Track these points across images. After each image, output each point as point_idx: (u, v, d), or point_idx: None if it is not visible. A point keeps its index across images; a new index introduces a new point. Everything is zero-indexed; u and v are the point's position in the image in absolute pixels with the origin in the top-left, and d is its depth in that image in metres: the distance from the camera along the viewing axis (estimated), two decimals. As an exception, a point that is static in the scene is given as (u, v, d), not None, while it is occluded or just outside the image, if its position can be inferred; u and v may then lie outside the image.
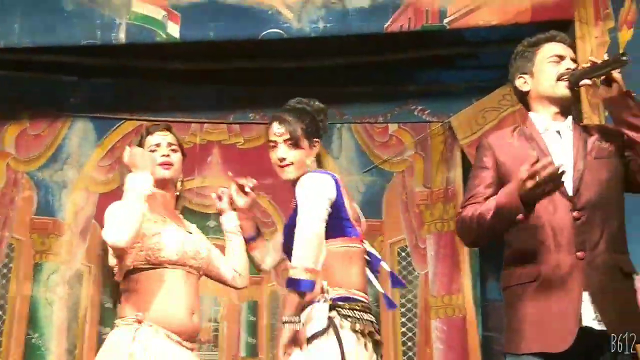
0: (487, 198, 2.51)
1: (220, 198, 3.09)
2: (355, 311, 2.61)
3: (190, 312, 2.74)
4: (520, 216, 2.33)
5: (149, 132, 2.92)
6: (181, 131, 5.13)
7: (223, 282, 3.10)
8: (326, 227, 2.62)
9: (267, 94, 5.17)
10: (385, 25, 4.45)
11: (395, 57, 5.08)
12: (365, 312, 2.65)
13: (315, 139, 2.85)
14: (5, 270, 4.93)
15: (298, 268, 2.49)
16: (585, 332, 2.33)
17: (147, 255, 2.70)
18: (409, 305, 5.17)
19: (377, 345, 2.68)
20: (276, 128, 2.81)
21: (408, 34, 4.51)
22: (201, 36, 4.47)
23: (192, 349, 2.77)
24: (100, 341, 4.87)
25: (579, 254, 2.39)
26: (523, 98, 2.69)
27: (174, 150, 2.90)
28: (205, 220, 5.09)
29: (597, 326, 2.34)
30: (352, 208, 2.79)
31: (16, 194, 5.06)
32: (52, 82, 5.18)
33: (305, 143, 2.80)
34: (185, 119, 5.30)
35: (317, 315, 2.55)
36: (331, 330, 2.53)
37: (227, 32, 4.46)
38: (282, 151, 2.79)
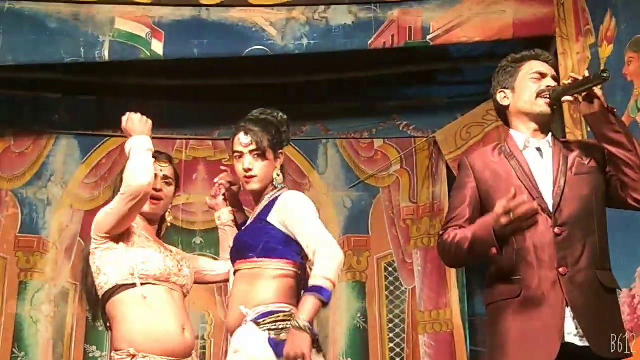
0: (467, 219, 2.52)
1: (215, 196, 3.08)
2: (277, 322, 2.56)
3: (182, 329, 2.72)
4: (493, 251, 2.34)
5: None
6: (166, 148, 5.15)
7: (222, 281, 3.13)
8: (274, 247, 2.66)
9: (252, 111, 5.17)
10: (369, 42, 4.48)
11: (379, 73, 5.10)
12: (288, 320, 2.57)
13: (280, 151, 2.84)
14: (-11, 289, 4.91)
15: (325, 278, 2.47)
16: (567, 349, 2.32)
17: (131, 269, 2.69)
18: (396, 321, 5.17)
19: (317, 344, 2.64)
20: (242, 138, 2.78)
21: (392, 50, 4.54)
22: (185, 53, 4.48)
23: None
24: (86, 359, 4.87)
25: (560, 269, 2.38)
26: (502, 112, 2.70)
27: (168, 184, 2.90)
28: (191, 236, 5.11)
29: (580, 342, 2.34)
30: None
31: (0, 212, 5.03)
32: (36, 99, 5.19)
33: (271, 154, 2.79)
34: (171, 135, 5.30)
35: (248, 339, 2.55)
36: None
37: (211, 49, 4.47)
38: (248, 162, 2.77)
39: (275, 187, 2.80)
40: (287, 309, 2.62)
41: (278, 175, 2.81)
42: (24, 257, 5.01)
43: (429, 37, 4.47)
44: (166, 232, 3.07)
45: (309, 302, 2.45)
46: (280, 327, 2.56)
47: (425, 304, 5.15)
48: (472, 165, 2.62)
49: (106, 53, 4.38)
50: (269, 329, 2.55)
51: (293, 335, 2.42)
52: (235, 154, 2.82)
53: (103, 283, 2.71)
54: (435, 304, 5.13)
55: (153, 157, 2.82)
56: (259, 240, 2.69)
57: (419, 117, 5.43)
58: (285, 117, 2.90)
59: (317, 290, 2.46)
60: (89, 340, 4.94)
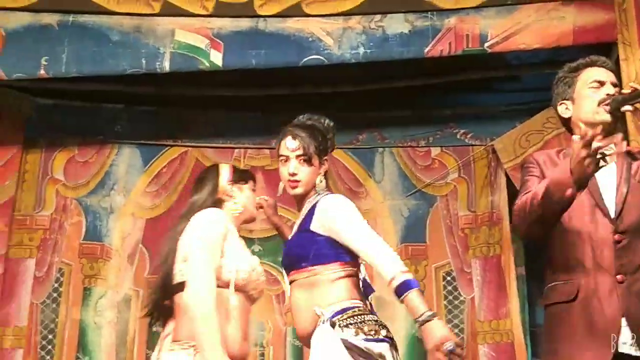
0: None
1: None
2: (354, 317, 2.59)
3: (243, 337, 2.74)
4: (569, 192, 2.29)
5: (250, 177, 3.06)
6: (225, 157, 5.22)
7: None
8: (325, 253, 2.68)
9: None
10: (426, 50, 4.46)
11: (436, 81, 5.07)
12: (366, 314, 2.63)
13: (325, 157, 2.87)
14: (55, 295, 5.00)
15: (404, 272, 2.49)
16: (620, 358, 2.30)
17: (221, 273, 2.70)
18: (455, 331, 5.10)
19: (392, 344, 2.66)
20: (289, 143, 2.83)
21: (449, 58, 4.51)
22: (243, 64, 4.52)
23: None
24: (147, 364, 4.94)
25: (618, 277, 2.37)
26: (566, 124, 2.69)
27: None
28: (249, 244, 5.11)
29: (634, 352, 2.31)
30: None
31: (65, 219, 5.14)
32: (98, 110, 5.29)
33: (316, 160, 2.83)
34: (229, 145, 5.38)
35: (325, 338, 2.56)
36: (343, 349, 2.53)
37: (269, 59, 4.50)
38: (294, 166, 2.81)
39: (317, 193, 2.83)
40: (360, 304, 2.66)
41: (321, 182, 2.84)
42: (88, 264, 5.10)
43: (486, 44, 4.43)
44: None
45: (415, 297, 2.45)
46: (359, 320, 2.59)
47: (484, 314, 5.08)
48: (537, 160, 2.63)
49: (167, 64, 4.46)
50: (347, 325, 2.56)
51: (431, 329, 2.43)
52: (281, 158, 2.86)
53: (185, 271, 2.70)
54: (494, 314, 5.05)
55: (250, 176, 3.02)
56: (308, 249, 2.72)
57: (477, 125, 5.37)
58: (332, 123, 2.95)
59: (406, 287, 2.46)
60: (151, 346, 5.00)
